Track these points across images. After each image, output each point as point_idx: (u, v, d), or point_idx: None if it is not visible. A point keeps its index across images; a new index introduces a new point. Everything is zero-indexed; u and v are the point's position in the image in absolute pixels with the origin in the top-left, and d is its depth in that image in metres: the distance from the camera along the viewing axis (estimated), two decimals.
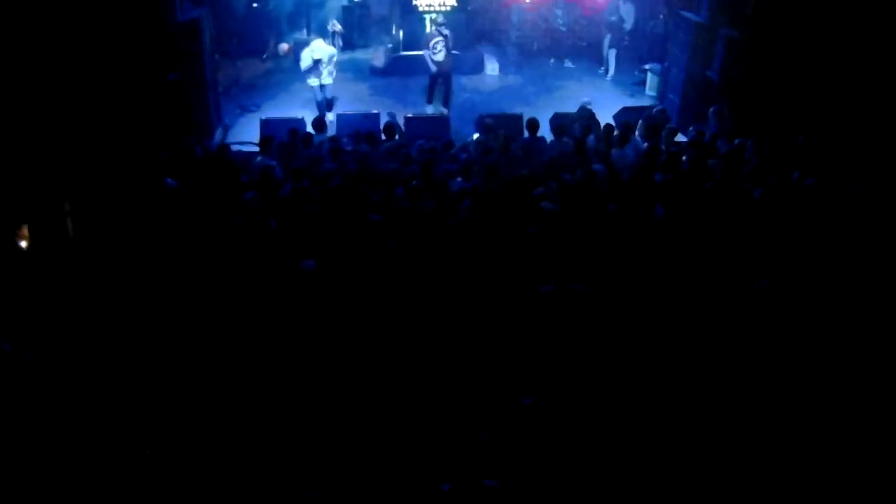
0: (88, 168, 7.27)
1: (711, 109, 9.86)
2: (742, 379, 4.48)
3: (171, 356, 4.67)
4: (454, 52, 14.03)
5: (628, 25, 14.16)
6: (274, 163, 7.91)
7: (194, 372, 4.53)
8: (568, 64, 14.73)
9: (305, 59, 11.29)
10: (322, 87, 11.47)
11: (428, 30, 14.12)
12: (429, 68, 11.96)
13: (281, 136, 8.89)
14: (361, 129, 9.26)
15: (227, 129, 9.67)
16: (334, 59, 11.57)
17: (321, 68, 11.28)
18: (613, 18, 13.94)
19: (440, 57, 11.81)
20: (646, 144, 8.69)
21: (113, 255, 5.67)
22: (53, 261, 5.53)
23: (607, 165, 7.82)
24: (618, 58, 14.09)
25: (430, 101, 12.21)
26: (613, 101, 12.25)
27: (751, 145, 8.23)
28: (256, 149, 9.56)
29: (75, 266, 5.49)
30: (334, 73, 11.63)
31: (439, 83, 12.10)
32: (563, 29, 14.68)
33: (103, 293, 5.19)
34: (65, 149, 7.89)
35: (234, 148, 8.99)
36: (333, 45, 15.26)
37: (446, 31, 11.89)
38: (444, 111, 11.91)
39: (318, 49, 11.32)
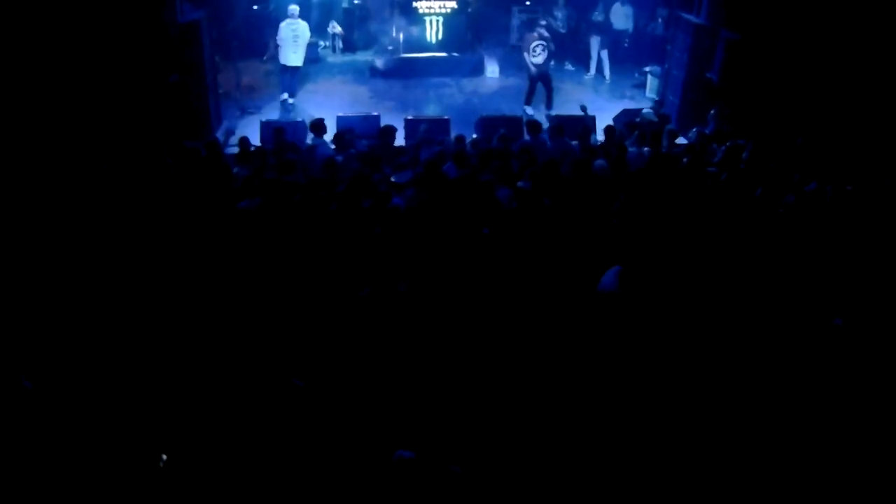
0: (89, 168, 7.28)
1: (712, 111, 9.86)
2: (740, 379, 4.48)
3: (171, 355, 4.67)
4: (454, 54, 14.13)
5: (621, 26, 14.12)
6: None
7: (193, 370, 4.52)
8: (568, 66, 14.73)
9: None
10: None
11: (427, 32, 14.19)
12: (529, 70, 11.95)
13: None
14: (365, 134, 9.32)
15: (229, 134, 9.66)
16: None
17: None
18: (600, 19, 13.92)
19: (540, 59, 11.77)
20: (646, 148, 8.70)
21: (115, 255, 5.67)
22: (55, 260, 5.52)
23: (613, 163, 7.80)
24: (615, 59, 14.08)
25: (528, 103, 12.14)
26: (614, 103, 12.28)
27: (749, 147, 8.23)
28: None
29: (77, 265, 5.48)
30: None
31: (539, 86, 12.03)
32: (563, 31, 14.69)
33: (104, 293, 5.19)
34: (65, 149, 7.92)
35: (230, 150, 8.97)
36: (333, 47, 15.40)
37: (547, 34, 11.89)
38: (549, 112, 11.79)
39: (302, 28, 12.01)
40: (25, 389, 4.13)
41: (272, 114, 11.58)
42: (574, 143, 8.85)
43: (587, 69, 14.33)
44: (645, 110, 10.48)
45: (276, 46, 14.63)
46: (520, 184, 6.93)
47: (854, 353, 4.63)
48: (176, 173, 7.47)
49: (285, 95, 12.26)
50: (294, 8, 12.07)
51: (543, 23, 12.20)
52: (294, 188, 6.73)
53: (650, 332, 4.81)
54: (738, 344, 4.77)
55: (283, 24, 12.04)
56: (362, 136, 9.21)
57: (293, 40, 11.94)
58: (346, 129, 9.19)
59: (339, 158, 8.04)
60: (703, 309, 5.09)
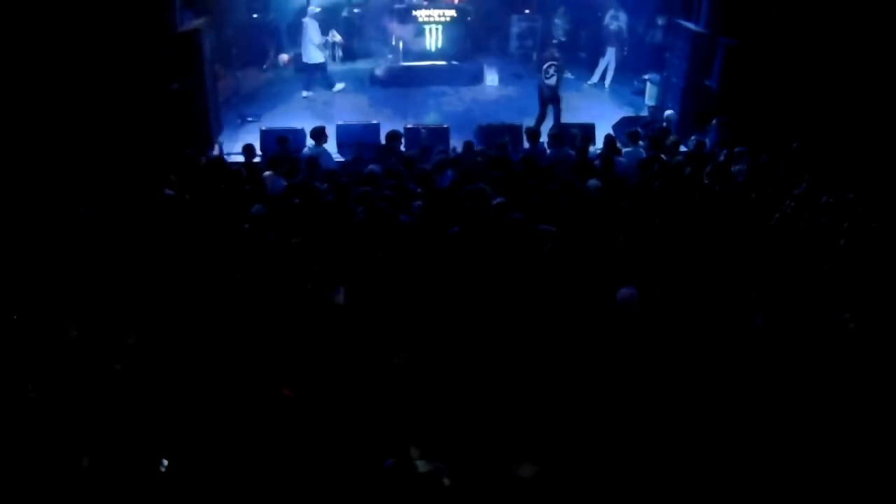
0: (91, 175, 7.28)
1: (714, 120, 9.87)
2: (740, 385, 4.47)
3: (173, 362, 4.66)
4: (454, 62, 14.14)
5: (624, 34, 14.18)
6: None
7: (195, 378, 4.51)
8: (568, 75, 14.74)
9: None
10: None
11: (427, 41, 14.21)
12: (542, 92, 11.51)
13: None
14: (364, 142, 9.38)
15: (221, 146, 9.66)
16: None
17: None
18: (613, 28, 13.93)
19: (553, 81, 11.37)
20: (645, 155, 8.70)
21: (116, 261, 5.67)
22: (58, 268, 5.52)
23: (607, 176, 7.79)
24: (616, 68, 14.12)
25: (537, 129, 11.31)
26: (613, 111, 12.27)
27: (747, 153, 8.26)
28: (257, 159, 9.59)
29: (79, 274, 5.48)
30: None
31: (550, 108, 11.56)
32: (564, 39, 14.73)
33: (107, 298, 5.18)
34: (66, 157, 7.92)
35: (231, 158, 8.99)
36: (333, 55, 15.44)
37: (558, 54, 11.62)
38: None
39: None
40: (31, 399, 4.12)
41: (272, 121, 11.58)
42: (573, 152, 8.85)
43: (590, 76, 14.36)
44: (667, 112, 10.43)
45: (276, 55, 14.84)
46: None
47: (860, 357, 4.63)
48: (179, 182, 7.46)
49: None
50: (310, 8, 13.01)
51: (556, 41, 12.00)
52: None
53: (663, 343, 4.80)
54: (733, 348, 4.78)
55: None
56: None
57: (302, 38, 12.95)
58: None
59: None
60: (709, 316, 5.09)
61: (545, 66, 11.39)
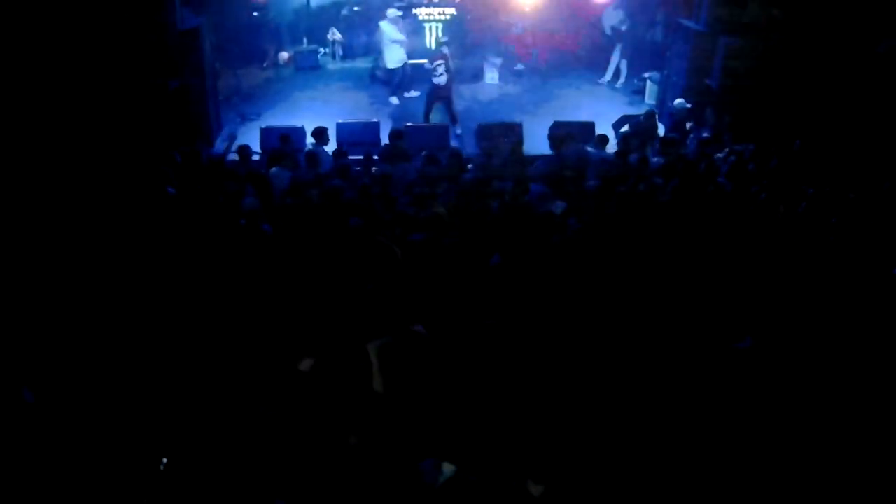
0: (90, 174, 7.29)
1: (707, 113, 9.90)
2: (739, 389, 4.47)
3: (170, 359, 4.66)
4: (455, 60, 14.12)
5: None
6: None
7: (193, 374, 4.51)
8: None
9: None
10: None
11: (427, 39, 14.22)
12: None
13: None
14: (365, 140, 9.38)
15: (233, 139, 9.65)
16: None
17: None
18: (624, 28, 13.91)
19: (442, 80, 11.36)
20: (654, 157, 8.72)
21: (114, 258, 5.67)
22: (56, 268, 5.52)
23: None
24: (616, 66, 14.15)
25: (427, 120, 11.76)
26: (613, 109, 12.27)
27: (748, 152, 8.26)
28: (257, 157, 9.60)
29: (77, 274, 5.48)
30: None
31: (437, 104, 11.67)
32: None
33: (106, 303, 5.18)
34: (66, 155, 7.93)
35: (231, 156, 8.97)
36: (333, 54, 15.43)
37: (447, 51, 11.53)
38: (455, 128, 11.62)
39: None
40: (27, 402, 4.12)
41: (272, 120, 11.59)
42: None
43: (590, 76, 14.37)
44: (677, 101, 10.43)
45: (276, 53, 14.80)
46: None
47: (850, 355, 4.64)
48: (176, 180, 7.46)
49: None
50: (389, 11, 12.69)
51: (445, 39, 12.00)
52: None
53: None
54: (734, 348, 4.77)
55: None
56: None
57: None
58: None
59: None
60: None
61: (434, 63, 11.42)
